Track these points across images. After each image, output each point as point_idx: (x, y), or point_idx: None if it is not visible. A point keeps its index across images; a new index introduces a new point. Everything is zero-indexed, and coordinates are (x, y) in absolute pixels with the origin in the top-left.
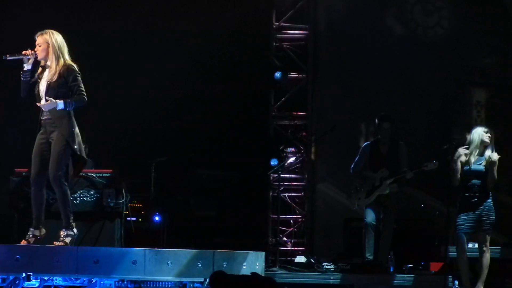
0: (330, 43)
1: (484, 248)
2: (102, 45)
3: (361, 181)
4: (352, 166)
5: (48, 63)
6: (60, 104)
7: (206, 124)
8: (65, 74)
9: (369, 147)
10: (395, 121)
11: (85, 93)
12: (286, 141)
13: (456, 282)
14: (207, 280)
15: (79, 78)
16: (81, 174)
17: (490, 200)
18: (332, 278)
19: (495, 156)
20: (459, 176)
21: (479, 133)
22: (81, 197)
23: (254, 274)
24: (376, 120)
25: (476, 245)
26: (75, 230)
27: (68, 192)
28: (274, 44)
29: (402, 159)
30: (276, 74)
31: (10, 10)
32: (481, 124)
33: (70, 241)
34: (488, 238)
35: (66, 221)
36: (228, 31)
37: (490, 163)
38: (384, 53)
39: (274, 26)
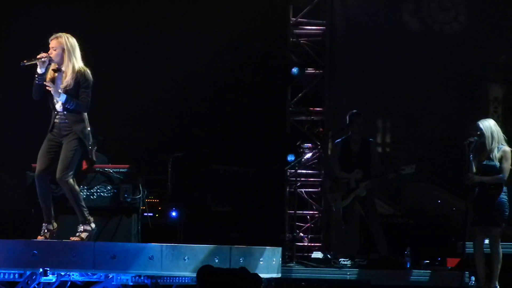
0: (347, 39)
1: (495, 243)
2: (120, 41)
3: (333, 182)
4: (329, 171)
5: (63, 68)
6: (63, 96)
7: (223, 120)
8: (80, 80)
9: (340, 145)
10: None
11: (88, 103)
12: (303, 136)
13: (473, 278)
14: None
15: (90, 87)
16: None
17: (503, 195)
18: (348, 273)
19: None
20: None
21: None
22: (98, 192)
23: (242, 269)
24: (347, 117)
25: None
26: (93, 225)
27: (78, 189)
28: (291, 39)
29: (374, 157)
30: (293, 69)
31: (19, 15)
32: (488, 118)
33: (87, 236)
34: (500, 233)
35: (82, 218)
36: (245, 27)
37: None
38: (401, 49)
39: (291, 22)
